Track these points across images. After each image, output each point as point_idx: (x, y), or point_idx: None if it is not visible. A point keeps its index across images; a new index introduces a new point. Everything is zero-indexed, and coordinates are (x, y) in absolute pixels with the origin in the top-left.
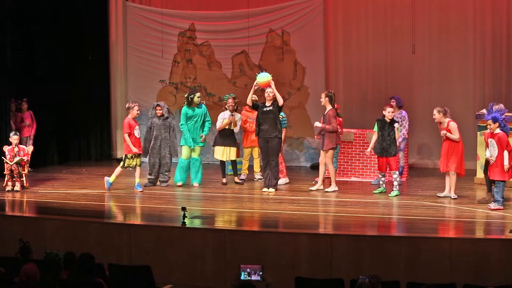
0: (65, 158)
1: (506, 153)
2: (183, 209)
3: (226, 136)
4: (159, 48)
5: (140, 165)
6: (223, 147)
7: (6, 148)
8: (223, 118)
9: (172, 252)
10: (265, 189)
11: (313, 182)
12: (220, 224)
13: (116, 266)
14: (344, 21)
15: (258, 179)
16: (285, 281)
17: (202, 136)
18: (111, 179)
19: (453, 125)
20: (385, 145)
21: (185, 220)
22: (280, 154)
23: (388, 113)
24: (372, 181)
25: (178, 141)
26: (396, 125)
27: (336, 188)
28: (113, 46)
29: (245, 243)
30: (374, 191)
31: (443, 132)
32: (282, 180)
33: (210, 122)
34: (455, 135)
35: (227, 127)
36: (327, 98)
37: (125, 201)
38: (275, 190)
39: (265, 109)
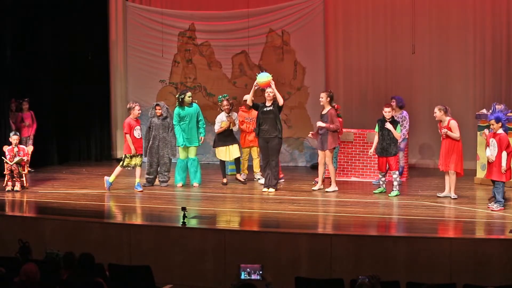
0: (65, 158)
1: (504, 154)
2: (183, 209)
3: (226, 136)
4: (159, 48)
5: (140, 165)
6: (224, 147)
7: (6, 148)
8: (221, 121)
9: (172, 252)
10: (265, 189)
11: (313, 182)
12: (220, 224)
13: (116, 266)
14: (344, 21)
15: (258, 179)
16: (285, 281)
17: (201, 138)
18: (111, 178)
19: (453, 123)
20: (385, 145)
21: (185, 220)
22: None
23: (385, 113)
24: (373, 181)
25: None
26: (387, 124)
27: (336, 188)
28: (113, 46)
29: (245, 243)
30: (374, 191)
31: (443, 130)
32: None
33: (204, 122)
34: (456, 134)
35: (226, 128)
36: (328, 98)
37: (125, 201)
38: (275, 190)
39: (265, 109)
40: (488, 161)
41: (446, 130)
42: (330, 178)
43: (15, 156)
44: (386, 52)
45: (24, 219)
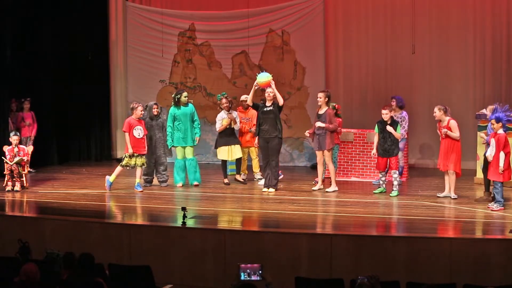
0: (65, 158)
1: (502, 155)
2: (183, 209)
3: (228, 136)
4: (159, 48)
5: (141, 166)
6: (227, 146)
7: (6, 148)
8: (222, 118)
9: (172, 252)
10: (265, 189)
11: (313, 182)
12: (220, 224)
13: (116, 266)
14: (344, 21)
15: (258, 179)
16: (285, 281)
17: (197, 139)
18: (111, 178)
19: (453, 123)
20: (386, 147)
21: (185, 220)
22: None
23: (383, 115)
24: (373, 181)
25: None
26: (388, 128)
27: (336, 188)
28: (113, 46)
29: (245, 243)
30: (374, 191)
31: (443, 130)
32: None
33: (199, 122)
34: (456, 133)
35: (228, 126)
36: (326, 98)
37: (125, 201)
38: (275, 190)
39: (265, 109)
40: (487, 160)
41: (446, 130)
42: (330, 178)
43: (15, 156)
44: (386, 52)
45: (24, 219)
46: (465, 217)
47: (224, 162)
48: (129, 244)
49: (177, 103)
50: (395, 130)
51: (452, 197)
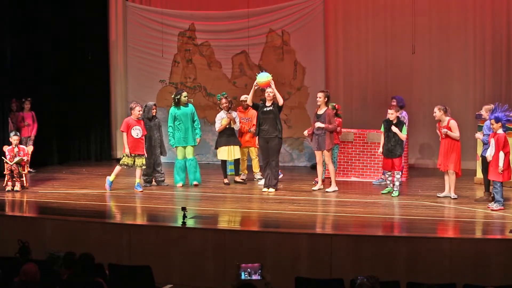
0: (65, 158)
1: (501, 155)
2: (183, 209)
3: (228, 136)
4: (159, 48)
5: (141, 166)
6: (227, 146)
7: (6, 148)
8: (222, 118)
9: (172, 252)
10: (265, 189)
11: (313, 182)
12: (220, 224)
13: (116, 266)
14: (344, 21)
15: (258, 179)
16: (285, 281)
17: (197, 140)
18: (111, 177)
19: (453, 123)
20: (390, 146)
21: (185, 220)
22: None
23: (389, 115)
24: (373, 181)
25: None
26: (393, 128)
27: (336, 188)
28: (113, 46)
29: (245, 243)
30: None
31: (443, 130)
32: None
33: (199, 122)
34: (456, 133)
35: (227, 126)
36: (326, 98)
37: (125, 201)
38: (275, 190)
39: (265, 109)
40: (486, 161)
41: (446, 130)
42: (330, 178)
43: (15, 156)
44: (386, 52)
45: (24, 219)
46: (465, 217)
47: (224, 162)
48: (129, 244)
49: (177, 103)
50: (401, 131)
51: (452, 197)
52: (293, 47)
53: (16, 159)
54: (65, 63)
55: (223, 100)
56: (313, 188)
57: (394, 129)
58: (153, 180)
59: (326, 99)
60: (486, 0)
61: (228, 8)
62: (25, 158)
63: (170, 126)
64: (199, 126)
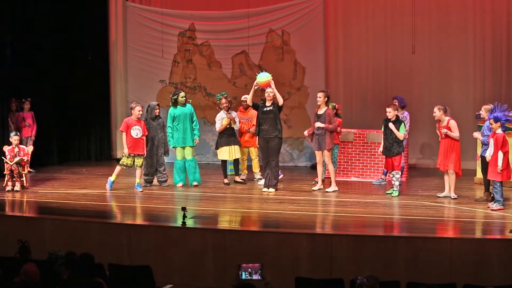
0: (65, 158)
1: (500, 154)
2: (183, 209)
3: (229, 136)
4: (159, 48)
5: (141, 166)
6: (228, 146)
7: (6, 148)
8: (222, 118)
9: (172, 252)
10: (265, 189)
11: (313, 182)
12: (220, 224)
13: (116, 266)
14: (344, 21)
15: (258, 179)
16: (285, 281)
17: (196, 140)
18: (112, 177)
19: (453, 123)
20: (387, 145)
21: (185, 220)
22: None
23: (387, 113)
24: (373, 181)
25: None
26: (389, 125)
27: (336, 188)
28: (113, 46)
29: (245, 243)
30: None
31: (443, 130)
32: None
33: (197, 123)
34: (456, 133)
35: (227, 126)
36: (326, 98)
37: (125, 201)
38: (275, 190)
39: (265, 109)
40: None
41: (446, 130)
42: (330, 178)
43: (15, 156)
44: (386, 52)
45: (24, 219)
46: (465, 217)
47: (224, 162)
48: (129, 244)
49: (175, 104)
50: (398, 129)
51: (452, 197)
52: (293, 47)
53: (16, 159)
54: (65, 63)
55: (223, 100)
56: (313, 188)
57: (391, 125)
58: (155, 180)
59: (326, 99)
60: (486, 0)
61: (228, 8)
62: (25, 158)
63: (169, 126)
64: (198, 127)
